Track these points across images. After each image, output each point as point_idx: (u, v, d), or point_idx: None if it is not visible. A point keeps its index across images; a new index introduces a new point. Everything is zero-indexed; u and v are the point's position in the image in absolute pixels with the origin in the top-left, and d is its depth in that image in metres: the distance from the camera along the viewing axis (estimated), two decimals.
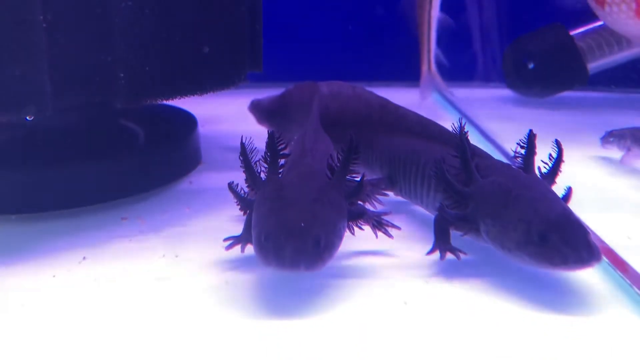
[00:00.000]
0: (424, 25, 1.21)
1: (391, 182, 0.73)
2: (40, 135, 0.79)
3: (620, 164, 0.87)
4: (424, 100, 1.19)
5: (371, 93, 0.80)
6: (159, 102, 0.75)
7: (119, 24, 0.67)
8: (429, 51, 1.22)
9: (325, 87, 0.81)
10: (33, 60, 0.62)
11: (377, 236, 0.62)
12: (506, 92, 1.29)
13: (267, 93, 0.95)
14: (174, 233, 0.68)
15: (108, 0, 0.66)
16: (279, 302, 0.54)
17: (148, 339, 0.49)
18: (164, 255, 0.62)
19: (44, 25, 0.62)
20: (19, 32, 0.60)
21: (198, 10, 0.74)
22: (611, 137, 0.90)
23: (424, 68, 1.22)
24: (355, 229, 0.59)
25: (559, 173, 0.60)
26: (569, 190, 0.60)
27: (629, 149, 0.86)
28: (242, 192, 0.60)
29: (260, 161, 0.59)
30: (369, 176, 0.75)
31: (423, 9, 1.21)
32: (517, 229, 0.53)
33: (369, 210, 0.61)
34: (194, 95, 0.77)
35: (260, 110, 0.93)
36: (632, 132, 0.88)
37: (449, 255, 0.59)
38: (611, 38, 1.21)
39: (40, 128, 0.79)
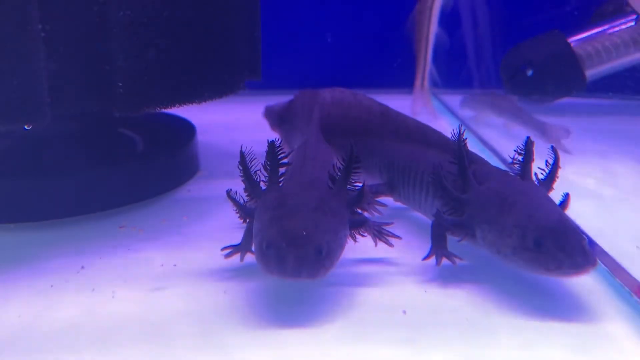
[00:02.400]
0: (422, 42, 1.22)
1: (391, 188, 0.73)
2: (39, 144, 0.80)
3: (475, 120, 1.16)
4: (415, 115, 1.20)
5: (372, 100, 0.81)
6: (157, 110, 0.75)
7: (117, 33, 0.67)
8: (424, 67, 1.23)
9: (327, 93, 0.82)
10: (31, 69, 0.62)
11: (376, 245, 0.62)
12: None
13: (269, 101, 0.95)
14: (172, 242, 0.68)
15: (106, 9, 0.66)
16: (278, 311, 0.54)
17: (146, 349, 0.49)
18: (162, 265, 0.62)
19: (42, 34, 0.62)
20: (17, 41, 0.61)
21: (196, 19, 0.74)
22: (468, 100, 1.20)
23: (417, 83, 1.23)
24: (357, 236, 0.59)
25: (556, 179, 0.61)
26: (566, 197, 0.60)
27: (482, 111, 1.17)
28: (241, 200, 0.60)
29: (260, 170, 0.59)
30: (369, 182, 0.75)
31: (422, 25, 1.22)
32: (513, 234, 0.53)
33: (370, 219, 0.61)
34: (192, 103, 0.77)
35: (272, 117, 0.93)
36: (482, 97, 1.19)
37: (445, 261, 0.59)
38: (609, 45, 1.22)
39: (38, 137, 0.79)
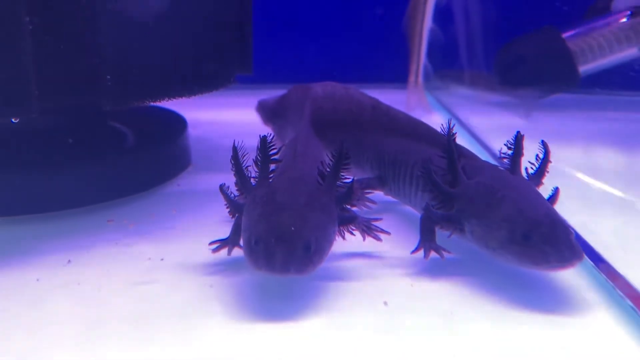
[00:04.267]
0: (416, 38, 1.22)
1: (381, 182, 0.73)
2: (27, 137, 0.79)
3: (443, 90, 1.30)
4: (410, 111, 1.21)
5: (363, 94, 0.80)
6: (146, 104, 0.75)
7: (106, 27, 0.67)
8: (418, 64, 1.23)
9: (320, 87, 0.82)
10: (19, 62, 0.62)
11: (364, 239, 0.62)
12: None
13: (262, 95, 0.95)
14: (160, 236, 0.67)
15: (95, 2, 0.66)
16: (263, 304, 0.53)
17: (129, 343, 0.48)
18: (149, 259, 0.62)
19: (30, 27, 0.62)
20: (5, 34, 0.60)
21: (185, 12, 0.74)
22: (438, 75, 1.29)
23: (411, 79, 1.23)
24: (346, 233, 0.59)
25: (546, 174, 0.61)
26: (555, 191, 0.60)
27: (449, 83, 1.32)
28: (233, 195, 0.60)
29: (252, 165, 0.59)
30: (360, 175, 0.75)
31: (415, 21, 1.22)
32: (501, 228, 0.53)
33: (359, 215, 0.61)
34: (181, 97, 0.77)
35: (265, 111, 0.93)
36: (449, 72, 1.30)
37: (434, 254, 0.59)
38: (603, 41, 1.22)
39: (26, 130, 0.79)
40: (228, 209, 0.61)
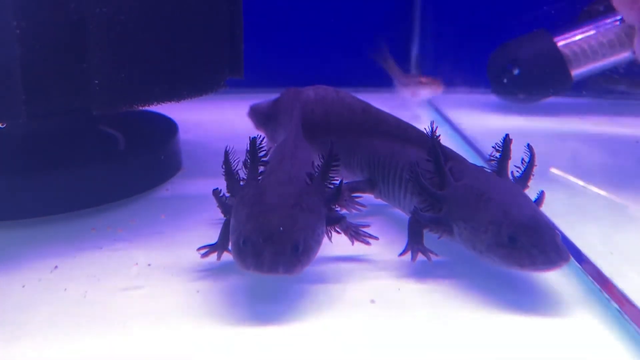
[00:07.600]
0: None
1: (371, 185, 0.73)
2: (14, 142, 0.79)
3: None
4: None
5: (354, 97, 0.81)
6: (135, 108, 0.75)
7: (94, 30, 0.67)
8: None
9: (311, 91, 0.82)
10: (6, 66, 0.61)
11: (353, 243, 0.62)
12: (491, 98, 1.29)
13: (255, 99, 0.95)
14: (148, 241, 0.67)
15: (83, 6, 0.66)
16: (250, 309, 0.53)
17: (117, 349, 0.48)
18: (136, 264, 0.61)
19: (17, 31, 0.62)
20: None
21: (175, 15, 0.74)
22: None
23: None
24: (333, 235, 0.59)
25: (532, 177, 0.61)
26: (541, 194, 0.60)
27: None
28: (225, 198, 0.60)
29: (242, 168, 0.59)
30: (351, 179, 0.75)
31: None
32: (488, 231, 0.53)
33: (349, 221, 0.61)
34: (170, 102, 0.77)
35: (257, 115, 0.93)
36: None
37: (421, 257, 0.59)
38: (595, 44, 1.22)
39: (13, 135, 0.78)
40: (222, 213, 0.61)
